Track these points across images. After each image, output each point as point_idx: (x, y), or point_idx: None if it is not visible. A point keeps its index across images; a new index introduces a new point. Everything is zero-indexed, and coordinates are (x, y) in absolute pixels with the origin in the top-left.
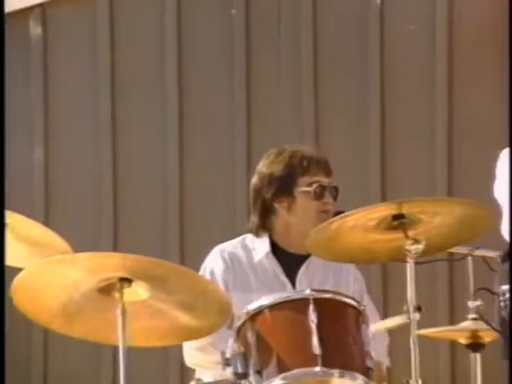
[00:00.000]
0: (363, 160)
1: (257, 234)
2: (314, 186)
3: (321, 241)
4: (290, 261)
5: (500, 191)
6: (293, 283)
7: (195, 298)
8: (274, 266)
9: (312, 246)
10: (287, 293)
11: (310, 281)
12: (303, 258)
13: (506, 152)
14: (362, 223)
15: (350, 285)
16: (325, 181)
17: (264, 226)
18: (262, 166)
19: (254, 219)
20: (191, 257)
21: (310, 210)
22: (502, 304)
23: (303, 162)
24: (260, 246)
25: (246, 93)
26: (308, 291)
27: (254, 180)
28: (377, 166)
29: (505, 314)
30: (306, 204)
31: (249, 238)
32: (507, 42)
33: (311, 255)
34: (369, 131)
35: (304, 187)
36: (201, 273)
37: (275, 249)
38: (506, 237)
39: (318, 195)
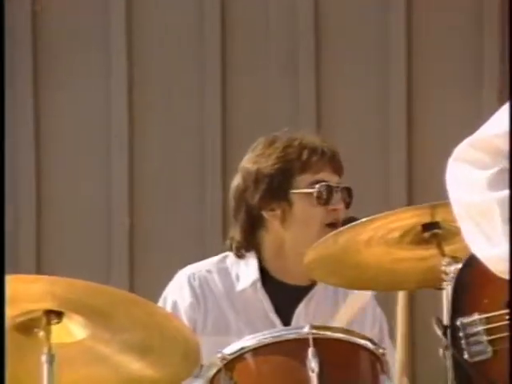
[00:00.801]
0: (382, 151)
1: (239, 254)
2: (318, 186)
3: (323, 259)
4: (284, 294)
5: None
6: (287, 325)
7: (150, 338)
8: (262, 301)
9: (311, 267)
10: (278, 330)
11: (311, 321)
12: (303, 291)
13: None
14: (381, 235)
15: (365, 325)
16: (333, 180)
17: (249, 244)
18: (247, 161)
19: (236, 234)
20: (144, 282)
21: (311, 221)
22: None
23: (302, 154)
24: (244, 271)
25: (221, 63)
26: (306, 328)
27: (236, 180)
28: (400, 159)
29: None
30: (306, 212)
31: (230, 258)
32: None
33: (315, 286)
34: (389, 112)
35: (303, 189)
36: (159, 305)
37: (265, 276)
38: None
39: (324, 199)
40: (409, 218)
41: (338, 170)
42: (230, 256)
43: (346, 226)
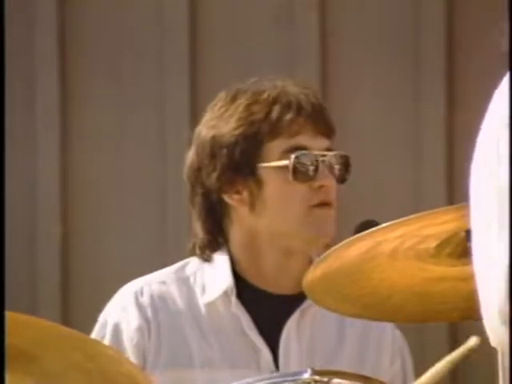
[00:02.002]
0: (413, 137)
1: (204, 256)
2: (293, 156)
3: (329, 279)
4: (266, 306)
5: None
6: (273, 349)
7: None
8: (238, 316)
9: (312, 289)
10: (268, 377)
11: (306, 346)
12: (293, 302)
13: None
14: (409, 246)
15: (383, 361)
16: (316, 145)
17: (214, 241)
18: (202, 126)
19: (198, 230)
20: (82, 310)
21: (290, 204)
22: None
23: (271, 112)
24: (212, 279)
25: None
26: (307, 374)
27: (190, 153)
28: (437, 149)
29: None
30: (281, 192)
31: (192, 264)
32: None
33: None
34: (422, 86)
35: (275, 160)
36: (96, 332)
37: (240, 283)
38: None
39: (302, 174)
40: (448, 222)
41: (323, 130)
42: (192, 262)
43: (361, 233)
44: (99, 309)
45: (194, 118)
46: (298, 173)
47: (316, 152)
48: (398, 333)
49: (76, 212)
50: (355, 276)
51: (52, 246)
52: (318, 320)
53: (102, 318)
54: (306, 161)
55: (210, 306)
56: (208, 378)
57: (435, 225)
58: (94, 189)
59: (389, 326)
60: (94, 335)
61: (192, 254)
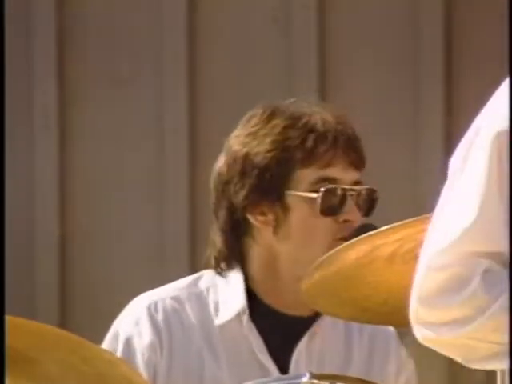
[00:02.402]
0: (411, 140)
1: (218, 270)
2: (323, 189)
3: (328, 284)
4: (279, 328)
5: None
6: (283, 371)
7: None
8: (250, 338)
9: (311, 294)
10: (266, 381)
11: (317, 364)
12: (304, 324)
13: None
14: (408, 249)
15: (388, 376)
16: (347, 178)
17: (232, 256)
18: (235, 140)
19: (216, 239)
20: (81, 314)
21: (313, 236)
22: None
23: (307, 140)
24: (226, 297)
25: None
26: (306, 378)
27: (219, 163)
28: (435, 152)
29: None
30: (306, 223)
31: (206, 277)
32: None
33: (319, 317)
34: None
35: (304, 189)
36: (108, 343)
37: (253, 303)
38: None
39: (330, 208)
40: None
41: (355, 162)
42: (205, 276)
43: (359, 237)
44: (97, 310)
45: (193, 120)
46: (326, 207)
47: (345, 186)
48: (403, 351)
49: (74, 213)
50: (353, 279)
51: (50, 246)
52: (326, 342)
53: (113, 329)
54: (335, 195)
55: (224, 326)
56: None
57: None
58: (93, 190)
59: (394, 344)
60: (105, 346)
61: (207, 263)
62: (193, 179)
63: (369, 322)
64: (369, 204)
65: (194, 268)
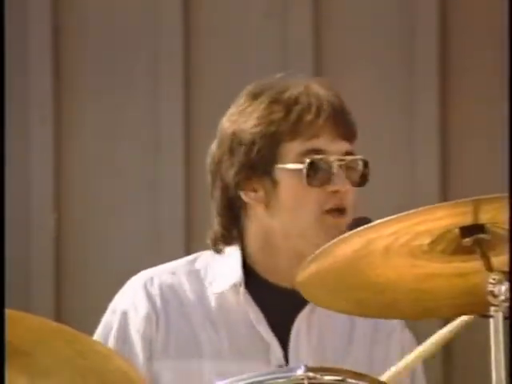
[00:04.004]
0: (406, 134)
1: (216, 248)
2: (309, 159)
3: (323, 277)
4: (277, 300)
5: None
6: (282, 343)
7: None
8: (248, 310)
9: (306, 287)
10: (260, 374)
11: (316, 341)
12: (304, 298)
13: None
14: (403, 242)
15: (391, 360)
16: (334, 148)
17: (229, 235)
18: (226, 119)
19: (215, 222)
20: (74, 305)
21: (303, 207)
22: None
23: (291, 112)
24: (222, 271)
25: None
26: (301, 370)
27: (213, 145)
28: (431, 145)
29: None
30: (294, 195)
31: (203, 257)
32: None
33: None
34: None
35: (291, 162)
36: (105, 319)
37: (251, 277)
38: None
39: (316, 178)
40: (442, 219)
41: (343, 133)
42: (203, 256)
43: (354, 230)
44: (92, 299)
45: (188, 111)
46: (312, 177)
47: (332, 156)
48: (408, 334)
49: (70, 203)
50: (348, 272)
51: (46, 237)
52: (328, 315)
53: (111, 305)
54: (321, 165)
55: (219, 297)
56: (216, 369)
57: (428, 222)
58: (88, 180)
59: (398, 326)
60: (102, 322)
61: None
62: (188, 170)
63: (364, 315)
64: (361, 174)
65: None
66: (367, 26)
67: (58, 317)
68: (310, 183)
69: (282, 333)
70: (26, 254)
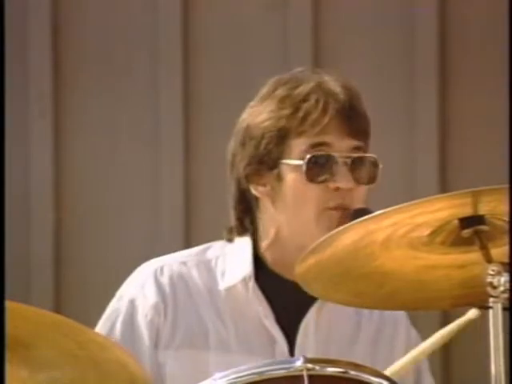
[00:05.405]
0: (407, 124)
1: (229, 238)
2: (311, 154)
3: (322, 268)
4: (287, 295)
5: None
6: (290, 341)
7: (83, 374)
8: (256, 304)
9: (305, 278)
10: (259, 365)
11: (323, 339)
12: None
13: None
14: (402, 234)
15: (395, 357)
16: (342, 145)
17: (242, 226)
18: (245, 113)
19: (231, 214)
20: (73, 299)
21: (304, 204)
22: None
23: (300, 108)
24: (233, 264)
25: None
26: (299, 362)
27: (232, 138)
28: (430, 137)
29: None
30: (296, 191)
31: (215, 248)
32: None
33: None
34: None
35: (296, 158)
36: (112, 306)
37: (261, 269)
38: None
39: (314, 175)
40: (442, 210)
41: (351, 130)
42: (215, 246)
43: (354, 222)
44: (92, 293)
45: (187, 105)
46: (312, 173)
47: (336, 153)
48: (413, 331)
49: (69, 198)
50: (348, 264)
51: (45, 229)
52: (337, 312)
53: (119, 293)
54: (322, 161)
55: (229, 290)
56: (222, 360)
57: (428, 213)
58: (87, 175)
59: (403, 325)
60: (109, 309)
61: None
62: (187, 167)
63: (363, 307)
64: (369, 172)
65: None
66: (366, 18)
67: (58, 311)
68: (309, 179)
69: (290, 328)
70: (25, 247)
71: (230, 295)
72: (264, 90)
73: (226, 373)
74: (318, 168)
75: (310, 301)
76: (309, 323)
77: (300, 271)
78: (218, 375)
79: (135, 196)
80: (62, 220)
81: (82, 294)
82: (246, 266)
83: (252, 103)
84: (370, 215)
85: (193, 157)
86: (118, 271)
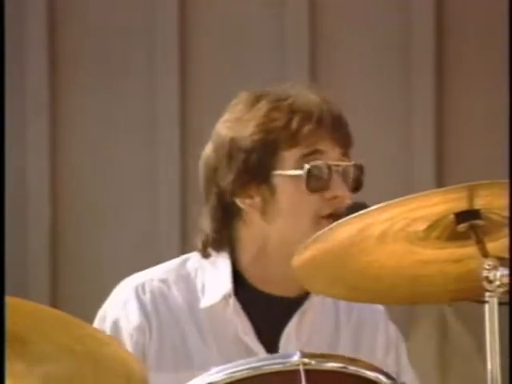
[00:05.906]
0: (404, 120)
1: (204, 253)
2: (308, 165)
3: (318, 263)
4: (267, 309)
5: None
6: (270, 351)
7: (80, 369)
8: (236, 321)
9: (301, 273)
10: (257, 360)
11: (306, 346)
12: (293, 305)
13: None
14: (399, 228)
15: (376, 354)
16: (333, 155)
17: (221, 241)
18: (222, 124)
19: (205, 224)
20: (70, 294)
21: (301, 213)
22: None
23: (292, 122)
24: (212, 280)
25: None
26: (296, 357)
27: (208, 149)
28: (426, 132)
29: None
30: (292, 201)
31: (193, 260)
32: None
33: (308, 298)
34: (413, 72)
35: (291, 168)
36: (96, 326)
37: (240, 285)
38: None
39: (316, 184)
40: (437, 205)
41: (341, 140)
42: (193, 258)
43: (350, 216)
44: (88, 291)
45: (184, 106)
46: (312, 182)
47: (330, 162)
48: (392, 327)
49: (66, 195)
50: (344, 258)
51: (42, 230)
52: (315, 323)
53: (101, 311)
54: (320, 170)
55: (209, 309)
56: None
57: (424, 207)
58: (84, 173)
59: (382, 321)
60: None
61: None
62: (184, 165)
63: (359, 301)
64: (356, 180)
65: (185, 253)
66: (363, 16)
67: (55, 307)
68: (309, 188)
69: (271, 340)
70: (22, 244)
71: (211, 313)
72: (240, 104)
73: (223, 367)
74: (317, 177)
75: (289, 312)
76: (290, 334)
77: (296, 265)
78: (215, 370)
79: (132, 193)
80: (59, 217)
81: (78, 290)
82: (226, 284)
83: (228, 116)
84: (367, 210)
85: (190, 155)
86: (115, 268)
